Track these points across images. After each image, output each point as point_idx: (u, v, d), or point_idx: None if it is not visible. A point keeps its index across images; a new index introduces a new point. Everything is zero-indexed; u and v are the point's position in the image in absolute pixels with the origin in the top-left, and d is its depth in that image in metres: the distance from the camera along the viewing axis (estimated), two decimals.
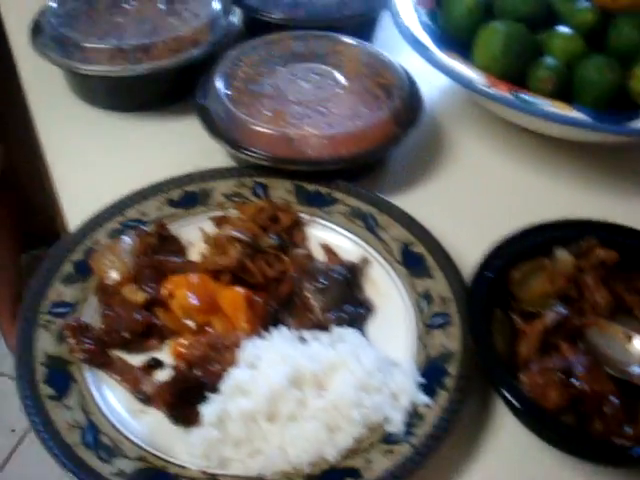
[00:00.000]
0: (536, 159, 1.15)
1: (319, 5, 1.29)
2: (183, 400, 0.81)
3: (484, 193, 1.10)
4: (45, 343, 0.86)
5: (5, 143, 2.00)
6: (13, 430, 2.19)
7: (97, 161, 1.13)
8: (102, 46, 1.14)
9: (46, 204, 1.01)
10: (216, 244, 0.95)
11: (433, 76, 1.15)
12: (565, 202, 1.06)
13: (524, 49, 1.08)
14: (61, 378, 0.84)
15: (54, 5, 1.22)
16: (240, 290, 0.89)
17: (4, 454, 2.14)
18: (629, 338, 0.86)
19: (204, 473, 0.76)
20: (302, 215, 1.01)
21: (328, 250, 0.98)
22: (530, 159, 1.15)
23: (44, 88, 1.26)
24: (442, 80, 1.20)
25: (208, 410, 0.79)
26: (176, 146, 1.14)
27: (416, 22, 1.16)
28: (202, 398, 0.81)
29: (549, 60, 1.06)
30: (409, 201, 1.04)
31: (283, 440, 0.77)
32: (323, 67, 1.14)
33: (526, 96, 1.02)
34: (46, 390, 0.82)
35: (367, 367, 0.82)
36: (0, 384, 2.29)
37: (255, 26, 1.27)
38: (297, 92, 1.10)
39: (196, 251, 0.98)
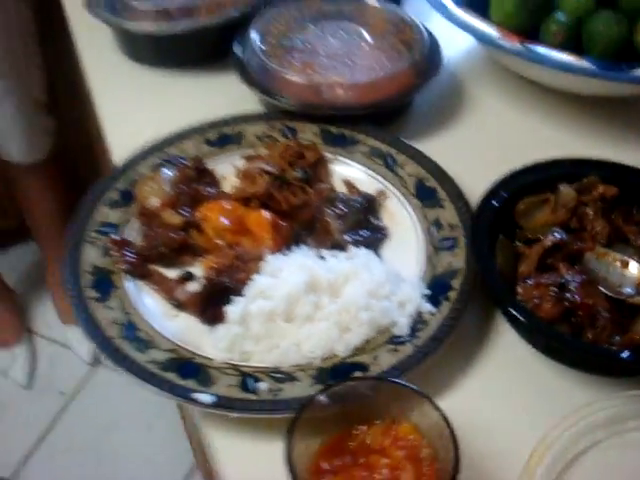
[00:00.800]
0: (547, 112, 1.22)
1: None
2: (211, 303, 0.90)
3: (496, 142, 1.18)
4: (91, 256, 0.97)
5: (60, 121, 2.11)
6: (62, 393, 2.31)
7: (142, 111, 1.23)
8: (149, 7, 1.25)
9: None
10: (246, 176, 1.04)
11: (457, 38, 1.25)
12: (571, 151, 1.12)
13: (537, 6, 1.15)
14: (105, 284, 0.94)
15: None
16: (266, 213, 0.98)
17: (52, 415, 2.26)
18: (626, 264, 0.92)
19: (227, 364, 0.85)
20: (326, 154, 1.10)
21: (349, 184, 1.06)
22: (541, 112, 1.22)
23: (95, 46, 1.37)
24: (465, 41, 1.29)
25: (233, 309, 0.88)
26: (214, 98, 1.24)
27: None
28: (228, 301, 0.90)
29: (560, 15, 1.14)
30: (427, 147, 1.12)
31: (298, 337, 0.86)
32: (350, 25, 1.23)
33: (536, 47, 1.09)
34: (91, 293, 0.92)
35: (377, 278, 0.90)
36: (51, 350, 2.42)
37: None
38: (325, 47, 1.18)
39: (229, 185, 1.07)
